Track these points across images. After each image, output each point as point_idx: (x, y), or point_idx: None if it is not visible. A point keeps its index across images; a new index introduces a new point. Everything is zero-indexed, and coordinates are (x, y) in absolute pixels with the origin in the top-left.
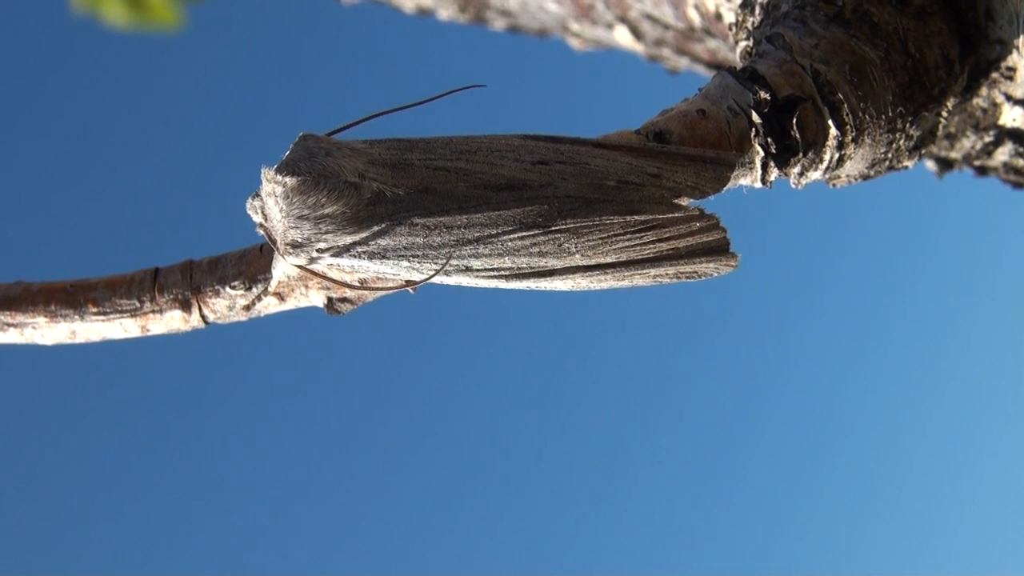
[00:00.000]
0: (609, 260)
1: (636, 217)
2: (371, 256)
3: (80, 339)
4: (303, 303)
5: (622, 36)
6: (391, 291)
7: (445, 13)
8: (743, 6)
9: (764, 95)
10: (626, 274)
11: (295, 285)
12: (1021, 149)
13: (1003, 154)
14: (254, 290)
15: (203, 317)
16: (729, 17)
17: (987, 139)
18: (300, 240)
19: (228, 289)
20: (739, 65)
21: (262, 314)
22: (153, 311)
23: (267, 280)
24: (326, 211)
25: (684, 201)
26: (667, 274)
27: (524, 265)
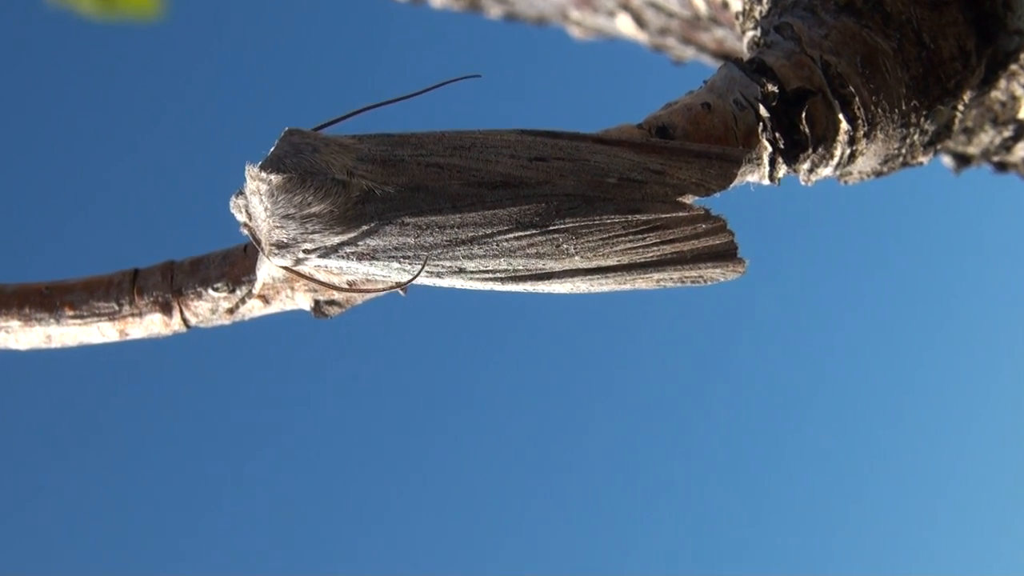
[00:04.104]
0: (610, 263)
1: (638, 217)
2: (360, 257)
3: (56, 344)
4: (289, 306)
5: (624, 25)
6: (380, 293)
7: (439, 0)
8: None
9: (772, 88)
10: (628, 278)
11: (280, 287)
12: None
13: (1023, 149)
14: (238, 292)
15: (184, 321)
16: (736, 5)
17: (1006, 134)
18: (286, 240)
19: (211, 291)
20: (746, 56)
21: (246, 318)
22: (132, 314)
23: (251, 282)
24: (313, 210)
25: (689, 199)
26: (671, 278)
27: (521, 267)
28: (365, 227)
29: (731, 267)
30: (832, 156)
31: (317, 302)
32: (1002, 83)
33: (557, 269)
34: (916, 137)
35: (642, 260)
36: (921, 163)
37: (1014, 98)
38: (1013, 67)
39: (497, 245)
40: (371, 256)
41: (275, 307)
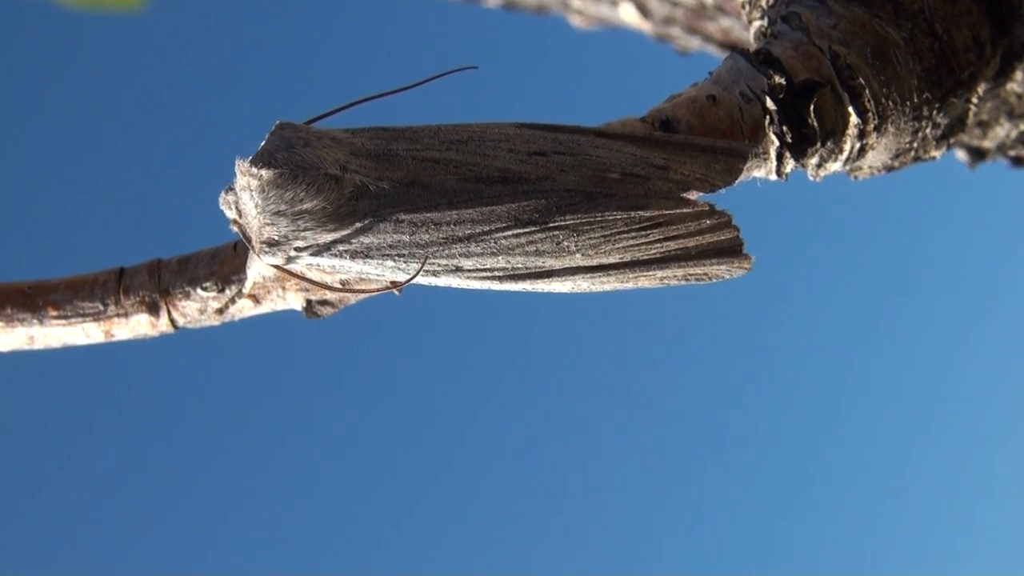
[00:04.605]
0: (612, 260)
1: (641, 213)
2: (353, 255)
3: (39, 345)
4: (280, 306)
5: (628, 13)
6: (374, 293)
7: None
8: None
9: (779, 80)
10: (630, 276)
11: (271, 287)
12: None
13: None
14: (227, 292)
15: (172, 321)
16: None
17: (1023, 127)
18: (277, 238)
19: (199, 291)
20: (753, 46)
21: (236, 318)
22: (118, 315)
23: (241, 281)
24: (305, 206)
25: (693, 195)
26: (675, 276)
27: (519, 265)
28: (359, 224)
29: (737, 263)
30: (841, 150)
31: (309, 302)
32: (1018, 75)
33: (557, 267)
34: (928, 131)
35: (645, 257)
36: (934, 157)
37: None
38: None
39: (495, 243)
40: (365, 254)
41: (266, 307)
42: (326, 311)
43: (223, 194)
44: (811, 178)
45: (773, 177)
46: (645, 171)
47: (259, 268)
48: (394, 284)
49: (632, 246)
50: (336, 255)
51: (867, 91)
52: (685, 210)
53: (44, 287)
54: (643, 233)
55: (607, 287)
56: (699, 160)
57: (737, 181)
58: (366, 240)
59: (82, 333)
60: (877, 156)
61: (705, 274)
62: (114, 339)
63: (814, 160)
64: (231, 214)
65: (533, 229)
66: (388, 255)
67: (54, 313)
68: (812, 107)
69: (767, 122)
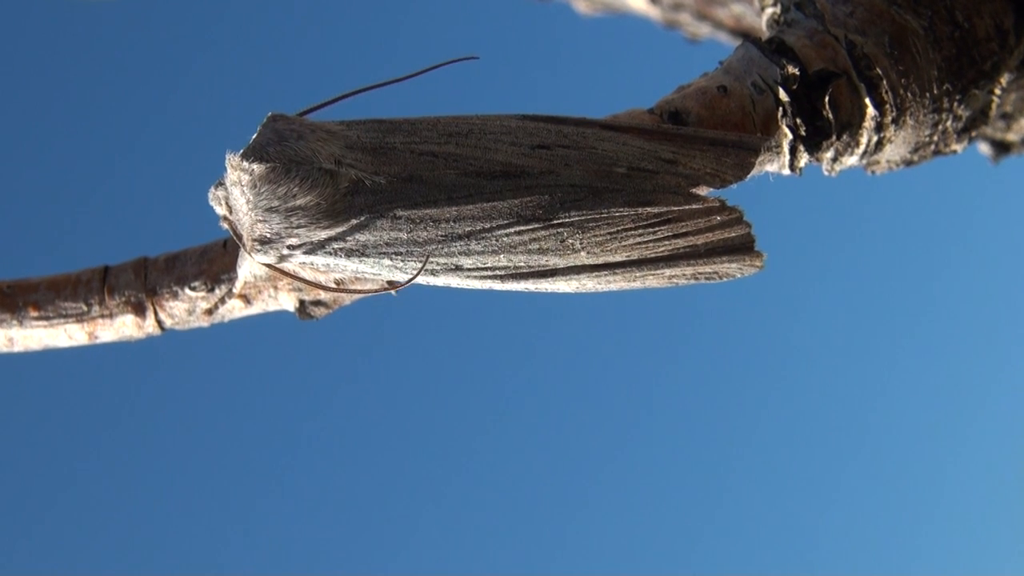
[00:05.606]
0: (619, 258)
1: (649, 209)
2: (348, 253)
3: (19, 348)
4: (272, 306)
5: None
6: (370, 293)
7: None
8: None
9: (792, 70)
10: (638, 274)
11: (263, 286)
12: None
13: None
14: (217, 292)
15: (159, 322)
16: None
17: None
18: (269, 235)
19: (187, 291)
20: (765, 34)
21: (225, 319)
22: (102, 315)
23: (231, 280)
24: (298, 202)
25: (703, 191)
26: (684, 274)
27: (522, 264)
28: (354, 221)
29: (748, 261)
30: (858, 144)
31: (302, 302)
32: None
33: (561, 265)
34: (949, 123)
35: (653, 255)
36: (955, 151)
37: None
38: None
39: (496, 240)
40: (360, 252)
41: (257, 307)
42: (320, 312)
43: (213, 189)
44: (826, 172)
45: (786, 172)
46: (653, 165)
47: (250, 267)
48: (391, 284)
49: (639, 243)
50: (331, 253)
51: (885, 82)
52: (695, 206)
53: (24, 286)
54: (651, 230)
55: (613, 286)
56: (709, 154)
57: (749, 176)
58: (362, 238)
59: (64, 335)
60: (895, 150)
61: (715, 272)
62: (98, 341)
63: (829, 154)
64: (221, 210)
65: (536, 226)
66: (385, 253)
67: (35, 314)
68: (827, 99)
69: (780, 114)
